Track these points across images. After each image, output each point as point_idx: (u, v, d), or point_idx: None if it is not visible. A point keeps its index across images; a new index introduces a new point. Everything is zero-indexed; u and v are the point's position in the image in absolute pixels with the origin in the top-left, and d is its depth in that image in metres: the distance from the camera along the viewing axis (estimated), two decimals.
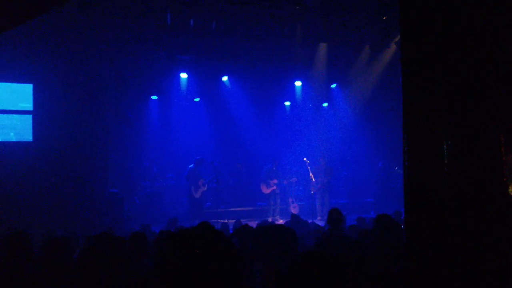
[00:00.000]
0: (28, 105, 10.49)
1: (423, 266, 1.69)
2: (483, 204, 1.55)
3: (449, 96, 1.63)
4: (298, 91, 14.51)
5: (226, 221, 9.22)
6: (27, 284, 3.09)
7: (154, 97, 13.12)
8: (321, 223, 9.36)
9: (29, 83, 10.53)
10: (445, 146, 1.61)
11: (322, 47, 12.91)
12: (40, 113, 10.47)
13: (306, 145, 13.49)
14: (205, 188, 11.49)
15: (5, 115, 10.39)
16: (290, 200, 12.48)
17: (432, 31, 1.68)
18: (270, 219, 10.72)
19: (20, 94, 10.50)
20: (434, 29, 1.68)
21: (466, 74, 1.61)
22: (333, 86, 14.45)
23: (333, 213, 5.67)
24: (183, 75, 13.05)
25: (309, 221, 8.29)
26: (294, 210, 11.96)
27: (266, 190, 12.32)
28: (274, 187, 12.25)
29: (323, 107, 14.75)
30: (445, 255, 1.59)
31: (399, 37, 1.97)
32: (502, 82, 1.59)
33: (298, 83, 14.34)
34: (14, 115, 10.49)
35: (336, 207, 5.91)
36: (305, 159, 12.31)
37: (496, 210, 1.54)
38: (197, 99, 13.58)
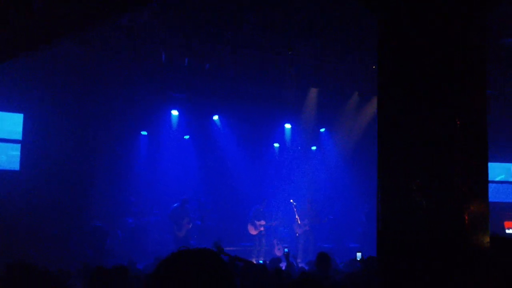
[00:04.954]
0: (18, 135, 10.54)
1: None
2: (447, 250, 1.64)
3: (420, 149, 1.74)
4: (288, 134, 14.70)
5: None
6: None
7: (144, 133, 13.15)
8: (304, 265, 9.30)
9: (20, 112, 10.59)
10: (415, 196, 1.71)
11: (313, 92, 13.19)
12: (29, 142, 10.49)
13: (294, 187, 13.53)
14: (190, 226, 11.43)
15: None
16: (275, 241, 12.41)
17: (404, 87, 1.81)
18: (254, 260, 10.63)
19: (10, 123, 10.57)
20: (406, 84, 1.80)
21: (434, 130, 1.73)
22: (322, 130, 14.67)
23: (322, 257, 5.70)
24: (174, 112, 13.18)
25: (294, 263, 8.24)
26: (278, 252, 11.88)
27: (253, 232, 12.24)
28: (262, 229, 12.19)
29: (312, 150, 14.91)
30: None
31: None
32: (468, 138, 1.71)
33: (288, 126, 14.55)
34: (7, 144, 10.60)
35: (325, 252, 5.94)
36: (291, 201, 12.36)
37: (459, 257, 1.63)
38: (186, 137, 13.65)
